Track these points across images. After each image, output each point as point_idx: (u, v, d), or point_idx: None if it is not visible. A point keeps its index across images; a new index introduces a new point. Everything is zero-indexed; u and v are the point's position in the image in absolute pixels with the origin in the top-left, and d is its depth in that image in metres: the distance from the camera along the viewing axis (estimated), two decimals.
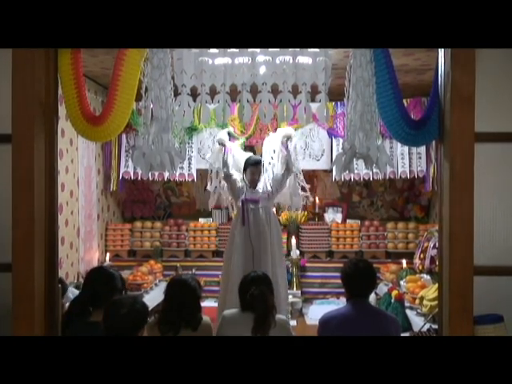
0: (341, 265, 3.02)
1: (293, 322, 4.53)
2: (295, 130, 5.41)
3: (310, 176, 6.10)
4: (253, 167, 4.22)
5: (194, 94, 2.68)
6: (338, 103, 5.38)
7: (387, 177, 5.46)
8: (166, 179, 5.66)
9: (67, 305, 2.92)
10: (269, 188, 4.21)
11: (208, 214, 5.99)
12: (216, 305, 4.48)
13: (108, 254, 5.47)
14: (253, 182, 4.23)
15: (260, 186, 4.24)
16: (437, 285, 2.80)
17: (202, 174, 6.00)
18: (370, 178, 5.47)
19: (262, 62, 2.61)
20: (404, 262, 5.10)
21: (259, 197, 4.17)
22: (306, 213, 5.78)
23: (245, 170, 4.29)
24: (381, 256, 5.56)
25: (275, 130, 5.49)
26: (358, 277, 2.69)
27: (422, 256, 4.77)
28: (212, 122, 5.14)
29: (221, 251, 5.63)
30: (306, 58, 2.63)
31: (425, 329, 3.37)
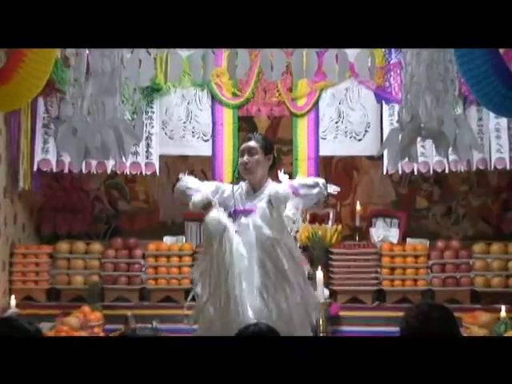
0: (399, 313, 3.05)
1: None
2: (322, 90, 5.45)
3: (347, 166, 6.12)
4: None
5: None
6: (392, 50, 5.42)
7: (473, 168, 5.48)
8: (109, 172, 5.69)
9: None
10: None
11: (178, 230, 6.01)
12: None
13: (14, 297, 5.49)
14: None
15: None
16: None
17: (170, 164, 6.03)
18: (444, 171, 5.51)
19: None
20: (503, 308, 5.13)
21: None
22: (339, 227, 5.79)
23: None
24: (464, 299, 5.57)
25: (289, 89, 5.53)
26: (429, 333, 2.72)
27: None
28: (185, 78, 5.18)
29: None
30: None
31: None
